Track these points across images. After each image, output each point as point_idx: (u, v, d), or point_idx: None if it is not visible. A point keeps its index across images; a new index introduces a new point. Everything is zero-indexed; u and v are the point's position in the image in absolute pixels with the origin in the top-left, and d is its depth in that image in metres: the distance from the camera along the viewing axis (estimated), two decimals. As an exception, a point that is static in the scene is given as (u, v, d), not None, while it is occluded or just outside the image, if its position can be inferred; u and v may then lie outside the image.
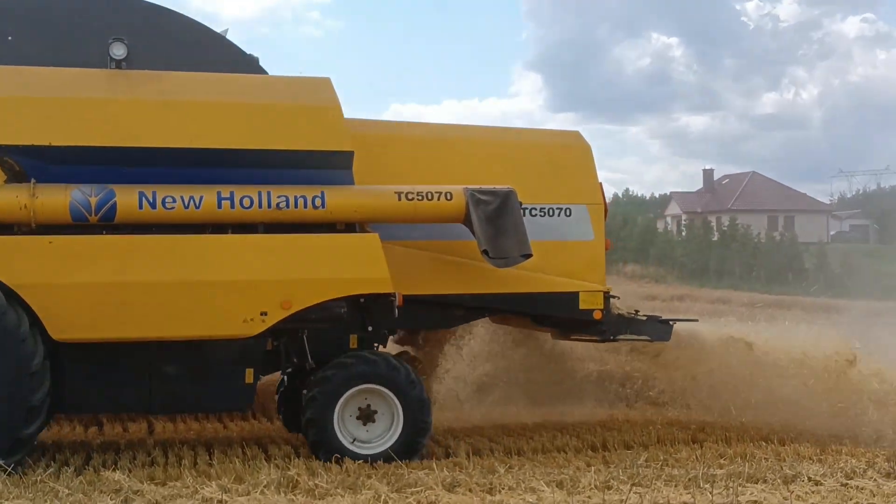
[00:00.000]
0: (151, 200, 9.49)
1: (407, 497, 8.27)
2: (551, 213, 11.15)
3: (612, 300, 11.45)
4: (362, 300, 10.29)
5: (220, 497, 8.16)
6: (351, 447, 9.91)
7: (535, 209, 11.06)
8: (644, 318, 11.70)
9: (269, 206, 9.74)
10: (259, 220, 9.84)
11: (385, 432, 10.08)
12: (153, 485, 8.61)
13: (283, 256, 9.81)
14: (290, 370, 11.00)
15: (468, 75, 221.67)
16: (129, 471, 9.12)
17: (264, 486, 8.54)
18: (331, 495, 8.38)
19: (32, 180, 9.39)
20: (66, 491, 8.22)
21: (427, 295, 10.67)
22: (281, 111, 9.98)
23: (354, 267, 9.96)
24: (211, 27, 10.24)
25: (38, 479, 8.61)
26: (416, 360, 11.67)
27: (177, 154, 9.65)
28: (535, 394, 13.41)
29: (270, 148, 9.84)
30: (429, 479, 8.74)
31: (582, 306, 11.13)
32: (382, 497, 8.21)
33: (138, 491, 8.31)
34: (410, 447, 10.01)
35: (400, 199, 10.12)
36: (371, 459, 9.71)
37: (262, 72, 10.46)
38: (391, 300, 10.18)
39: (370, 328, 10.59)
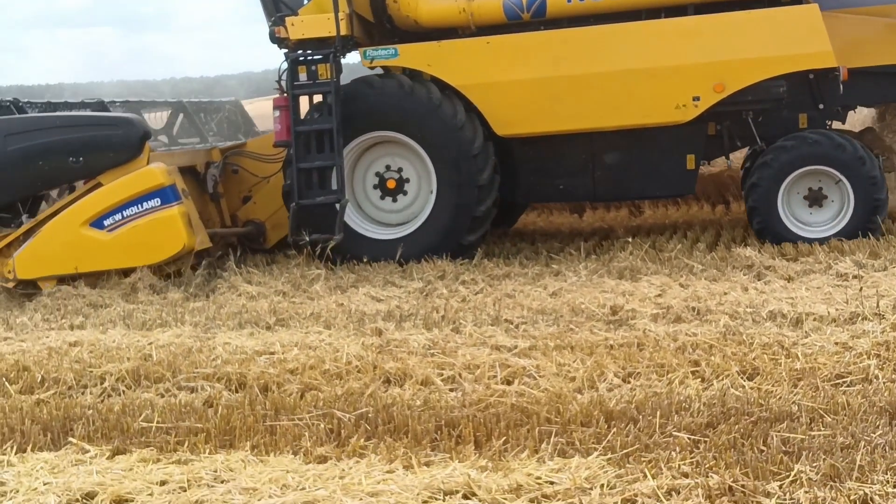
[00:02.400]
0: None
1: None
2: None
3: None
4: (811, 76, 9.57)
5: (854, 272, 8.01)
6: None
7: None
8: None
9: None
10: (687, 2, 9.62)
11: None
12: (785, 261, 8.70)
13: (712, 38, 9.52)
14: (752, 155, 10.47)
15: None
16: (759, 247, 9.21)
17: (902, 261, 8.19)
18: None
19: None
20: (700, 266, 8.64)
21: (885, 66, 9.74)
22: None
23: (791, 42, 9.39)
24: None
25: (672, 255, 9.10)
26: (880, 138, 10.65)
27: None
28: None
29: None
30: None
31: None
32: None
33: (770, 266, 8.47)
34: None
35: None
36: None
37: None
38: (835, 75, 9.43)
39: (821, 106, 9.78)
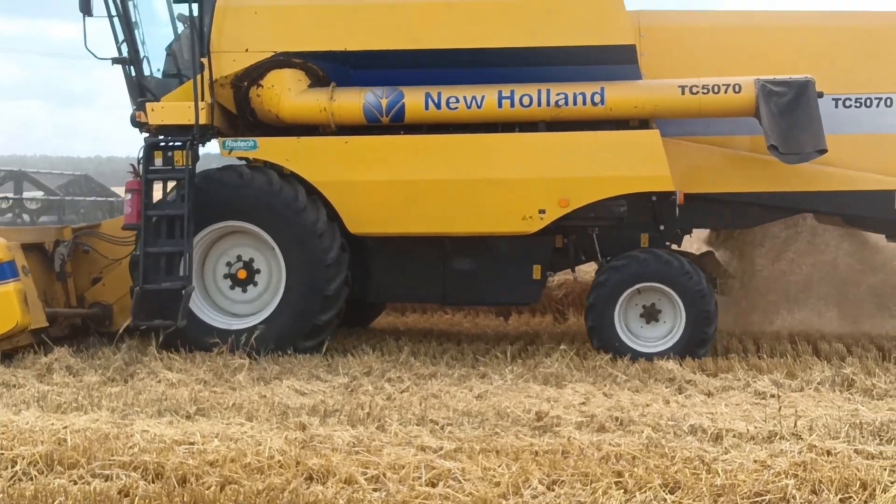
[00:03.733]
0: (437, 101, 9.86)
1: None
2: (868, 104, 10.17)
3: None
4: (654, 198, 10.01)
5: (772, 391, 8.13)
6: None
7: (849, 99, 10.15)
8: None
9: (549, 104, 9.78)
10: (539, 119, 9.92)
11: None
12: (705, 376, 8.87)
13: (559, 154, 9.86)
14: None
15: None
16: (681, 361, 9.36)
17: (818, 384, 8.41)
18: (891, 396, 8.00)
19: (332, 84, 10.07)
20: (624, 377, 8.76)
21: (720, 193, 10.20)
22: (559, 6, 9.87)
23: (633, 164, 9.82)
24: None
25: (597, 364, 9.20)
26: (718, 262, 11.16)
27: (461, 55, 9.92)
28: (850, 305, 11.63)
29: (550, 45, 9.84)
30: None
31: None
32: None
33: (690, 381, 8.63)
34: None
35: (683, 94, 9.74)
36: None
37: None
38: (673, 199, 9.89)
39: (661, 227, 10.25)
